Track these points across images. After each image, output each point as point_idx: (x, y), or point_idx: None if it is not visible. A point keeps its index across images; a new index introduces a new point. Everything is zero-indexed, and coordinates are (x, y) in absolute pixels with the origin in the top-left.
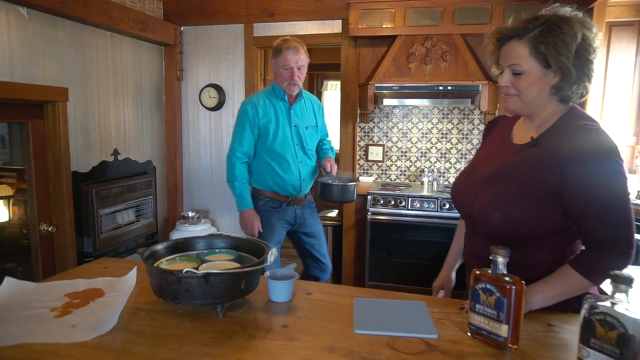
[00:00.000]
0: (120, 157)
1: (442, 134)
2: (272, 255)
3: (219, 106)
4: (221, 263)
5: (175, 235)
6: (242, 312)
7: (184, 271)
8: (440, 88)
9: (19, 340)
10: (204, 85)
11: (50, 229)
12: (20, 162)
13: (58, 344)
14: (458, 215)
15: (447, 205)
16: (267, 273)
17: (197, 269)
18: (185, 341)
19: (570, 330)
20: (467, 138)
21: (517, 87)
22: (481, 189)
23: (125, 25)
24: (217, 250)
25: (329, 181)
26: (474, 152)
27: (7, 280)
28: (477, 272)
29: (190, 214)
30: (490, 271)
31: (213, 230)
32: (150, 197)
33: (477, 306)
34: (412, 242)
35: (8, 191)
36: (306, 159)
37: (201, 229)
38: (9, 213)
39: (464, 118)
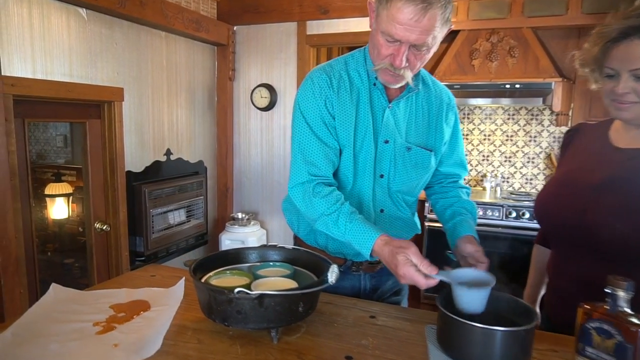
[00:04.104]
0: (172, 157)
1: (507, 136)
2: (333, 273)
3: (270, 106)
4: (275, 280)
5: (225, 236)
6: (299, 337)
7: (235, 291)
8: (507, 86)
9: (57, 359)
10: (255, 85)
11: (104, 228)
12: (80, 161)
13: None
14: (527, 225)
15: (514, 214)
16: (452, 276)
17: (249, 286)
18: None
19: None
20: (535, 141)
21: None
22: (593, 199)
23: (180, 25)
24: (270, 263)
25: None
26: (542, 155)
27: (53, 287)
28: (587, 306)
29: (240, 216)
30: (606, 306)
31: (263, 233)
32: (201, 197)
33: (588, 349)
34: None
35: (68, 189)
36: (392, 207)
37: (251, 231)
38: (68, 210)
39: (532, 119)
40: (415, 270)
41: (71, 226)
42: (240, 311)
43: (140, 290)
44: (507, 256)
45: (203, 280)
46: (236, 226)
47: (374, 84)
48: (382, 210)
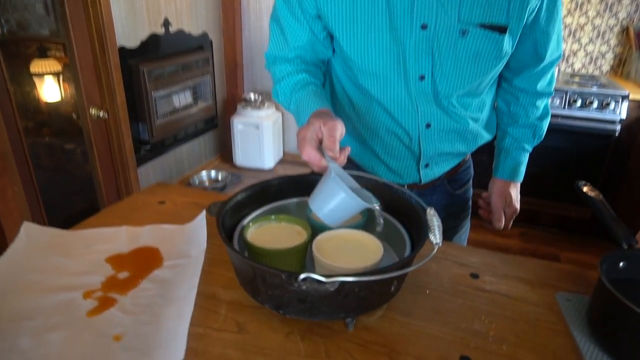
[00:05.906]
0: (171, 30)
1: (576, 4)
2: (435, 228)
3: None
4: (347, 233)
5: (237, 120)
6: (382, 319)
7: (300, 277)
8: None
9: None
10: None
11: (101, 115)
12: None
13: None
14: (594, 116)
15: (579, 102)
16: (332, 165)
17: (307, 244)
18: None
19: None
20: (610, 10)
21: None
22: None
23: None
24: None
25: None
26: (616, 29)
27: (25, 227)
28: None
29: (253, 97)
30: None
31: (278, 116)
32: (208, 75)
33: None
34: None
35: (56, 67)
36: (443, 118)
37: (265, 115)
38: (60, 91)
39: None
40: (309, 137)
41: (67, 108)
42: (306, 300)
43: (146, 229)
44: (569, 151)
45: (237, 231)
46: (248, 108)
47: None
48: (428, 125)
